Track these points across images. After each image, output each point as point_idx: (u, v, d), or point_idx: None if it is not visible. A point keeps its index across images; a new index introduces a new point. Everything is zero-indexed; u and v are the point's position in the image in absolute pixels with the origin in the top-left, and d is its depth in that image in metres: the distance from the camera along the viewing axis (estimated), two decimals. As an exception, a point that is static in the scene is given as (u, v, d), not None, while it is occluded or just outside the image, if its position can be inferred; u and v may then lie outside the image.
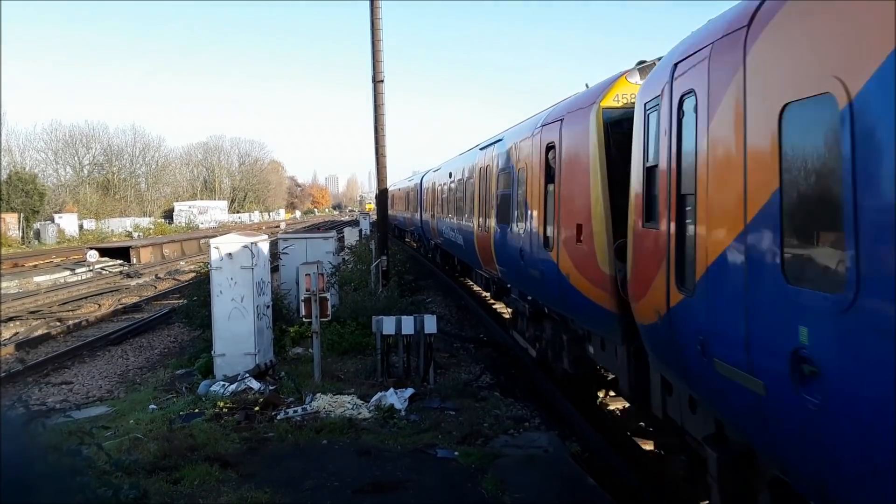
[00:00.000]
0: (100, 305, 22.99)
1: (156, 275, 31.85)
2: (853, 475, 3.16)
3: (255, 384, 9.82)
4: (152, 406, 9.83)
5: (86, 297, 24.42)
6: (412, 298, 18.44)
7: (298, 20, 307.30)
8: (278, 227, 66.88)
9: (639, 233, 6.26)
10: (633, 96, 7.43)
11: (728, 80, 4.45)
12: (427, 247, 31.35)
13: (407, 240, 42.82)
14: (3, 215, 51.35)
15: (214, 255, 10.73)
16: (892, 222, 2.80)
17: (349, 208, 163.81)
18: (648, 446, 8.36)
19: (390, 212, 44.34)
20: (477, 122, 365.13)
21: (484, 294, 20.14)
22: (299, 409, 8.87)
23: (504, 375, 11.88)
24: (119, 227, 66.05)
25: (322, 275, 10.50)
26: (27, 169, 64.80)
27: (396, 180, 52.57)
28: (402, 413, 8.94)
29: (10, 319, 19.71)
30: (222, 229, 57.98)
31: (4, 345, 16.19)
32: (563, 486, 6.68)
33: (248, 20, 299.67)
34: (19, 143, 71.64)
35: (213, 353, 10.82)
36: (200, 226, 79.35)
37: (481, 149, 15.78)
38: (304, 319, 10.99)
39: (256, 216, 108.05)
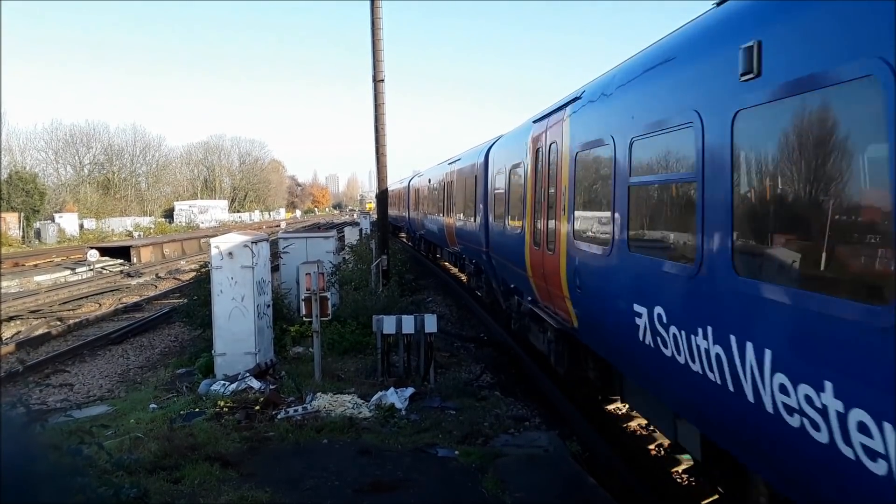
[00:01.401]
0: (100, 305, 23.00)
1: (156, 274, 31.86)
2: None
3: (255, 383, 9.82)
4: (153, 405, 9.83)
5: (86, 297, 24.42)
6: (412, 298, 18.45)
7: (299, 20, 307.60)
8: (279, 226, 66.90)
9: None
10: None
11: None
12: (502, 300, 14.40)
13: (439, 257, 28.52)
14: (3, 215, 51.35)
15: (215, 254, 10.73)
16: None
17: (349, 207, 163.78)
18: (649, 446, 8.36)
19: (412, 214, 37.53)
20: (475, 124, 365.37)
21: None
22: (300, 408, 8.87)
23: (504, 375, 11.88)
24: (119, 226, 66.09)
25: (322, 274, 10.50)
26: (28, 168, 64.86)
27: (422, 169, 39.32)
28: (403, 412, 8.94)
29: (11, 319, 19.72)
30: (223, 229, 58.02)
31: (5, 344, 16.19)
32: (564, 485, 6.67)
33: (248, 20, 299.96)
34: (20, 143, 71.98)
35: (213, 352, 10.82)
36: (201, 225, 79.40)
37: None
38: (304, 319, 10.99)
39: (257, 215, 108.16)
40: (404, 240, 44.63)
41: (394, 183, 52.17)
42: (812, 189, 3.78)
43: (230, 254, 10.66)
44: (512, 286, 12.51)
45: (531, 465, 7.09)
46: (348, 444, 7.80)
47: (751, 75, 4.10)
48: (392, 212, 49.61)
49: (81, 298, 24.03)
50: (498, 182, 13.72)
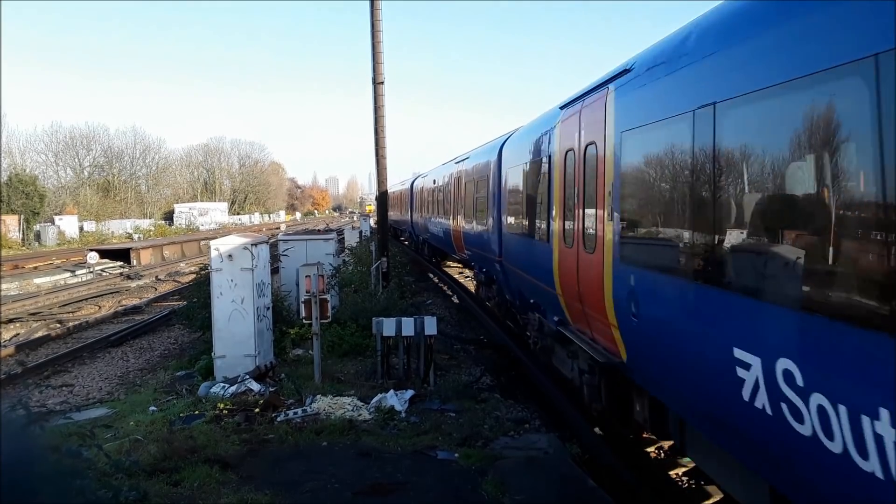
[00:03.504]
0: (100, 307, 22.99)
1: (156, 276, 31.84)
2: None
3: (255, 386, 9.81)
4: (152, 408, 9.82)
5: (86, 299, 24.41)
6: (412, 300, 18.45)
7: (299, 22, 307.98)
8: (278, 228, 66.88)
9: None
10: None
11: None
12: None
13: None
14: (3, 217, 51.33)
15: (214, 256, 10.72)
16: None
17: (349, 209, 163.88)
18: (649, 448, 8.35)
19: (503, 228, 12.93)
20: (473, 125, 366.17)
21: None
22: (299, 410, 8.87)
23: (504, 377, 11.87)
24: (119, 228, 66.09)
25: (322, 276, 10.49)
26: (27, 171, 64.80)
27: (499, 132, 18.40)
28: (403, 415, 8.93)
29: (11, 321, 19.70)
30: (222, 231, 58.02)
31: (4, 346, 16.18)
32: (564, 487, 6.66)
33: (248, 22, 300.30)
34: (20, 145, 71.95)
35: (213, 354, 10.81)
36: (201, 227, 79.41)
37: None
38: (304, 321, 10.99)
39: (257, 218, 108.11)
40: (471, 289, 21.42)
41: (436, 169, 28.47)
42: None
43: (230, 256, 10.66)
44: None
45: (531, 468, 7.08)
46: (348, 446, 7.79)
47: None
48: (425, 221, 28.66)
49: (81, 301, 24.01)
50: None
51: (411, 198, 35.74)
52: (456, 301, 20.96)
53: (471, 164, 18.30)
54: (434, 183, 26.40)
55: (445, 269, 28.75)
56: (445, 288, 24.20)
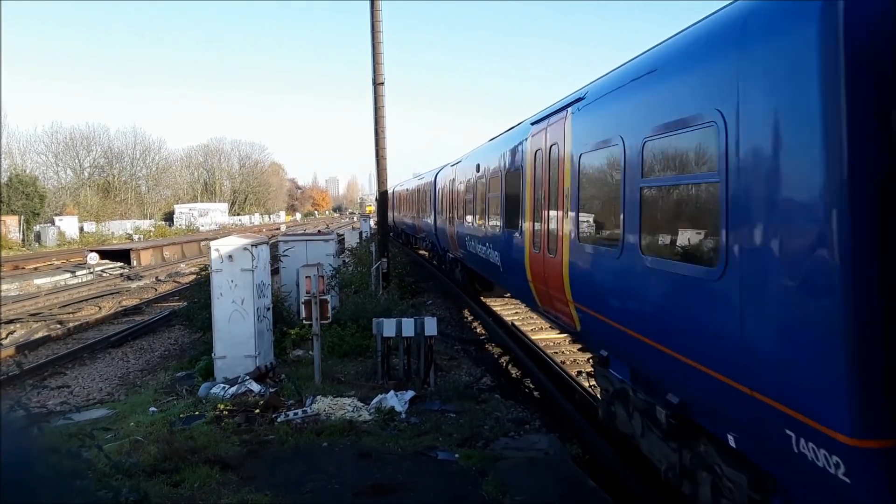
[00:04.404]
0: (100, 308, 22.97)
1: (156, 277, 31.84)
2: None
3: (255, 386, 9.80)
4: (153, 408, 9.82)
5: (86, 300, 24.41)
6: (412, 301, 18.44)
7: (299, 23, 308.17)
8: (279, 229, 66.89)
9: None
10: None
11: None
12: None
13: None
14: (3, 218, 51.35)
15: (215, 257, 10.72)
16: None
17: (349, 210, 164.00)
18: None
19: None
20: (471, 126, 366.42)
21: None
22: (300, 411, 8.86)
23: (505, 377, 11.86)
24: (119, 229, 66.11)
25: (322, 277, 10.49)
26: (28, 171, 64.80)
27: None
28: (403, 415, 8.93)
29: (11, 322, 19.70)
30: (223, 232, 58.03)
31: (4, 347, 16.17)
32: (564, 488, 6.66)
33: (249, 23, 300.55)
34: (20, 146, 71.92)
35: (213, 355, 10.81)
36: (201, 228, 79.43)
37: None
38: (304, 322, 10.99)
39: (257, 218, 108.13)
40: None
41: (480, 149, 16.59)
42: None
43: (230, 257, 10.66)
44: None
45: (532, 468, 7.08)
46: (348, 447, 7.78)
47: None
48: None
49: (81, 301, 24.01)
50: None
51: (434, 196, 25.38)
52: (455, 302, 20.95)
53: (588, 117, 7.51)
54: (477, 171, 15.68)
55: (487, 299, 19.28)
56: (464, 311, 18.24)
